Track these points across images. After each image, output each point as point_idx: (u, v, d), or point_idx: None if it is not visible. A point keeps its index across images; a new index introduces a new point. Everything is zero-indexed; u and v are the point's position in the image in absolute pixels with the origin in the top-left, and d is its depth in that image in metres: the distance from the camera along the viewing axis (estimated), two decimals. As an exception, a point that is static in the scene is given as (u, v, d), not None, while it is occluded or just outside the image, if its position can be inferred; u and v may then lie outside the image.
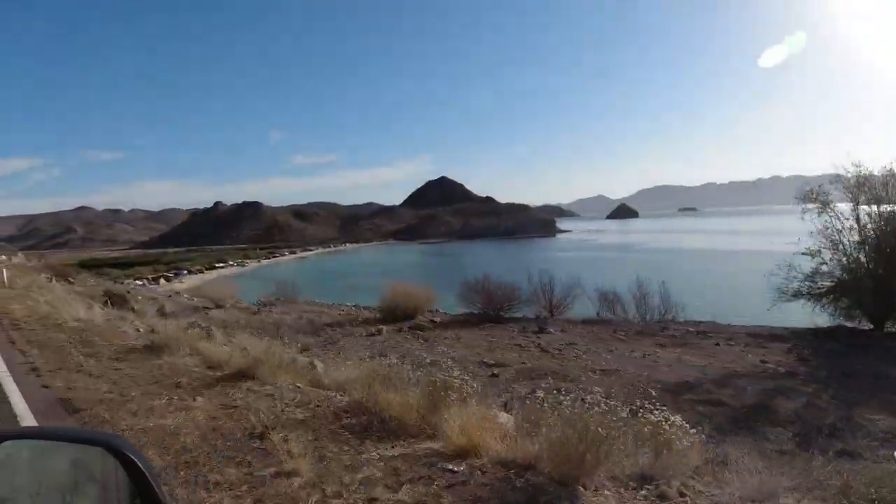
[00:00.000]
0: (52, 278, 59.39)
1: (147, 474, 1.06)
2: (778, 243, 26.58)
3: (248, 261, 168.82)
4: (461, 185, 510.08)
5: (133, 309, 42.81)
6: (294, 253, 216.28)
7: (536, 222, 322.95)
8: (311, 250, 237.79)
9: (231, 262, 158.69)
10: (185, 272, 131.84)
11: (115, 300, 49.90)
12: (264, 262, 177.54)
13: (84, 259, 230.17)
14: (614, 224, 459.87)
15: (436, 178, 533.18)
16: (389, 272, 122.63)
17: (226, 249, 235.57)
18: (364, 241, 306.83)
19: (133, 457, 1.07)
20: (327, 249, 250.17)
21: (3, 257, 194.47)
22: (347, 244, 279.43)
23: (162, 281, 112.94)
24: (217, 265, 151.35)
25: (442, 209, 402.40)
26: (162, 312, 32.72)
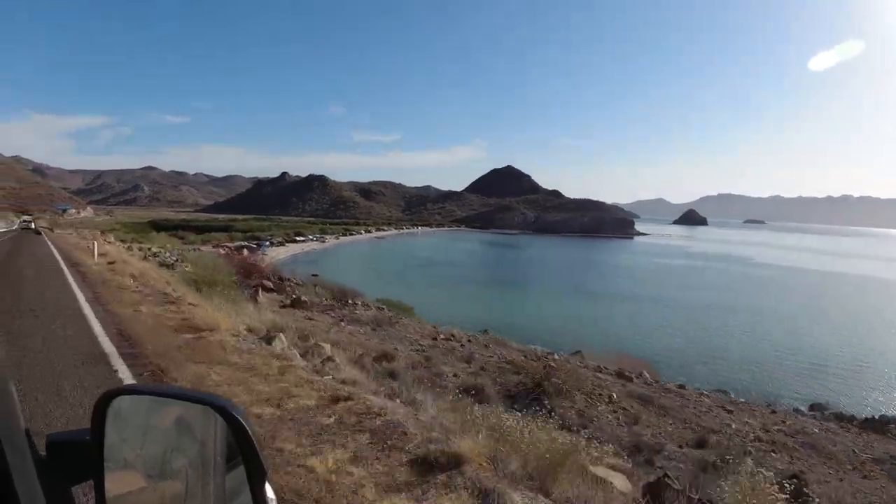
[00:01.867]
0: (144, 249, 51.72)
1: (250, 434, 1.10)
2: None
3: (326, 236, 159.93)
4: (528, 176, 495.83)
5: (301, 301, 31.43)
6: (370, 232, 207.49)
7: (614, 222, 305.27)
8: (384, 230, 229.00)
9: (311, 237, 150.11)
10: (268, 243, 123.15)
11: (276, 287, 38.55)
12: (343, 238, 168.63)
13: (154, 219, 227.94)
14: (682, 229, 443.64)
15: (502, 166, 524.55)
16: (504, 269, 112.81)
17: (296, 222, 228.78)
18: (434, 224, 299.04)
19: (239, 417, 1.11)
20: (399, 231, 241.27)
21: (73, 210, 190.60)
22: (419, 227, 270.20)
23: (245, 252, 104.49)
24: (298, 238, 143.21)
25: (514, 199, 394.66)
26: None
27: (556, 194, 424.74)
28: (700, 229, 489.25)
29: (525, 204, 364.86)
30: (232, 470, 1.22)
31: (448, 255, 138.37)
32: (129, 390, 1.27)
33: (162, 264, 32.10)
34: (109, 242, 50.76)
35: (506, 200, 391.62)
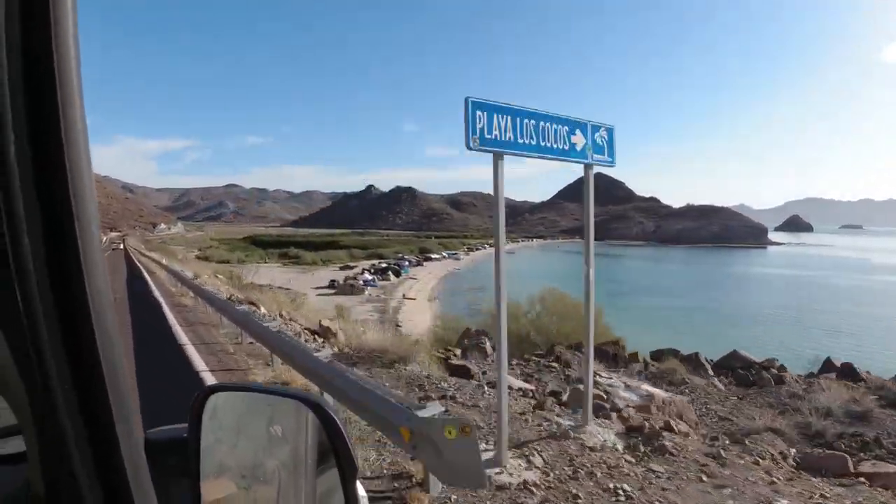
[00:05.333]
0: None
1: (343, 431, 1.12)
2: None
3: (457, 252, 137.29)
4: (622, 183, 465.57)
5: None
6: (517, 242, 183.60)
7: (745, 230, 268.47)
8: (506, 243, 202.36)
9: (443, 254, 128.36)
10: (406, 264, 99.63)
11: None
12: (473, 254, 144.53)
13: (251, 235, 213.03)
14: (789, 236, 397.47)
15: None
16: (718, 291, 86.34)
17: (395, 235, 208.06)
18: (538, 236, 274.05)
19: (331, 413, 1.13)
20: (516, 244, 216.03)
21: (163, 226, 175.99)
22: (534, 239, 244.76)
23: (392, 277, 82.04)
24: (432, 256, 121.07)
25: (619, 208, 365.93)
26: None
27: (654, 201, 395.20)
28: (808, 236, 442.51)
29: (637, 212, 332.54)
30: (322, 473, 1.22)
31: (622, 274, 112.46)
32: (225, 387, 1.28)
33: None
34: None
35: (607, 208, 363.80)
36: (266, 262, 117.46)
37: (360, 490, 1.11)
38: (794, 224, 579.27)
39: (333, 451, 1.14)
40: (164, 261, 38.35)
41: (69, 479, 0.74)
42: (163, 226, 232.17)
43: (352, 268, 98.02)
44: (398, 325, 41.83)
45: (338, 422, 1.13)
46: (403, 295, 66.01)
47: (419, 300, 65.58)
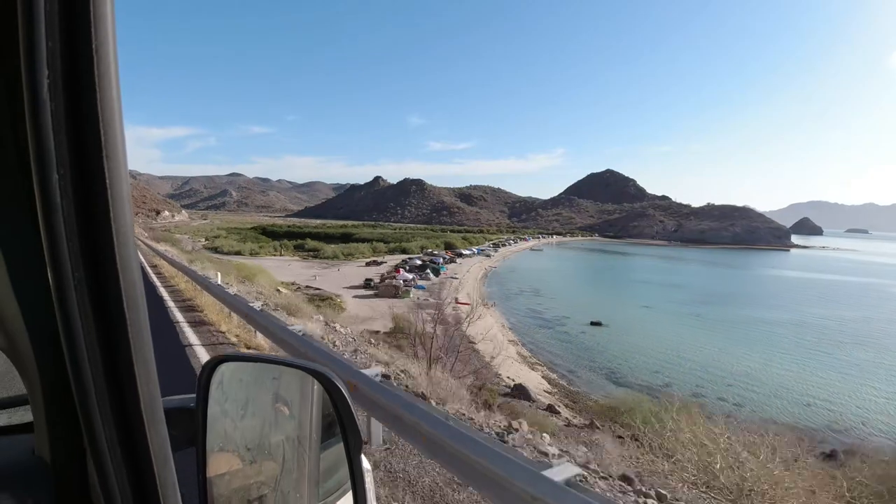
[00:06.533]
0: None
1: (349, 402, 1.11)
2: None
3: (479, 247, 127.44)
4: (633, 181, 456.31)
5: None
6: (525, 240, 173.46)
7: (768, 231, 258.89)
8: (526, 240, 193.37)
9: (473, 250, 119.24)
10: (441, 260, 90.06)
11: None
12: (502, 250, 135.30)
13: (259, 224, 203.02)
14: (800, 239, 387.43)
15: (600, 170, 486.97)
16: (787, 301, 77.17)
17: (408, 227, 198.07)
18: (556, 233, 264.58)
19: (339, 384, 1.12)
20: (538, 240, 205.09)
21: (167, 213, 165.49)
22: (553, 236, 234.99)
23: (431, 275, 72.37)
24: (464, 252, 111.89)
25: (641, 205, 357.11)
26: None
27: (667, 199, 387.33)
28: (819, 239, 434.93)
29: (657, 210, 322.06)
30: (328, 448, 1.23)
31: (686, 278, 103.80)
32: (233, 357, 1.27)
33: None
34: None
35: (622, 206, 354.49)
36: (281, 255, 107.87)
37: (365, 463, 1.05)
38: (805, 227, 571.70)
39: (339, 423, 1.13)
40: (182, 260, 28.27)
41: (81, 451, 0.74)
42: (166, 213, 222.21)
43: (379, 263, 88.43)
44: (490, 362, 32.48)
45: (344, 393, 1.12)
46: (456, 300, 56.34)
47: (475, 306, 55.94)
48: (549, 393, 31.56)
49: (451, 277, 75.12)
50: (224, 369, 1.21)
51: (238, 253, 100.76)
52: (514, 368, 35.53)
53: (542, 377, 34.80)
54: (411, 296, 56.18)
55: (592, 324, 51.25)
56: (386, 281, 60.75)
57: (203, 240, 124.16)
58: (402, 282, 61.50)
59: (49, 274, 0.63)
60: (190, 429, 1.11)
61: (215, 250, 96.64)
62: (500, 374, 31.90)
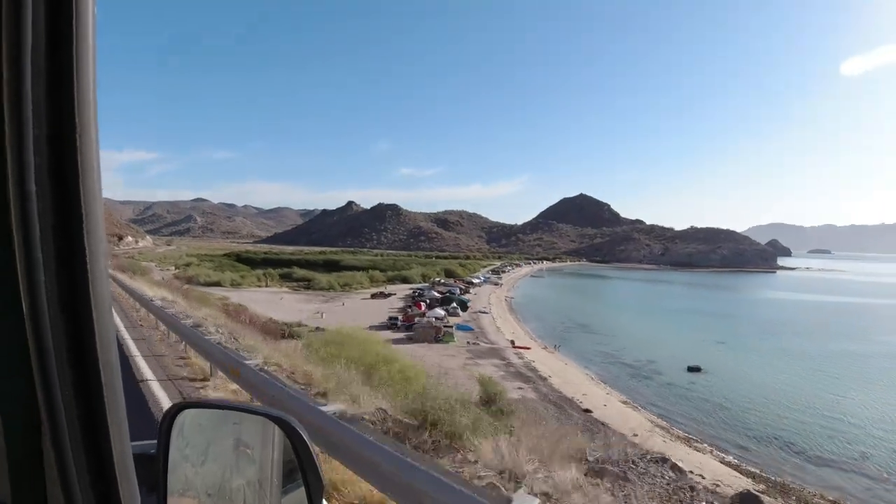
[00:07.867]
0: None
1: (310, 447, 1.11)
2: None
3: (492, 276, 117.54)
4: (607, 205, 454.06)
5: None
6: (519, 266, 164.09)
7: (756, 253, 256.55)
8: (519, 265, 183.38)
9: (481, 277, 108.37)
10: (458, 290, 79.79)
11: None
12: (506, 276, 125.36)
13: (233, 251, 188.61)
14: (782, 261, 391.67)
15: (573, 195, 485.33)
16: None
17: (391, 255, 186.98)
18: (543, 258, 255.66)
19: (299, 430, 1.12)
20: (531, 266, 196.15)
21: (130, 238, 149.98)
22: (543, 261, 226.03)
23: (459, 309, 61.52)
24: (474, 280, 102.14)
25: (623, 229, 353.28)
26: None
27: (640, 223, 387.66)
28: (791, 260, 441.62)
29: (642, 234, 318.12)
30: (288, 492, 1.24)
31: (708, 304, 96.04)
32: (194, 404, 1.27)
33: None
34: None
35: (601, 230, 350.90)
36: (267, 286, 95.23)
37: None
38: (776, 248, 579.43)
39: (300, 468, 1.14)
40: (158, 298, 17.34)
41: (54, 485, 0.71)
42: (130, 239, 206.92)
43: (386, 295, 76.87)
44: (634, 440, 22.18)
45: (305, 438, 1.12)
46: (512, 343, 45.48)
47: (536, 349, 45.55)
48: (764, 493, 21.16)
49: (482, 311, 64.42)
50: (185, 415, 1.20)
51: (217, 283, 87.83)
52: (678, 451, 24.44)
53: (721, 462, 24.56)
54: (455, 339, 45.26)
55: (690, 370, 41.54)
56: (417, 320, 49.42)
57: (173, 268, 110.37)
58: (433, 319, 50.45)
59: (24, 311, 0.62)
60: (151, 474, 1.10)
61: (189, 281, 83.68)
62: (681, 468, 21.49)
